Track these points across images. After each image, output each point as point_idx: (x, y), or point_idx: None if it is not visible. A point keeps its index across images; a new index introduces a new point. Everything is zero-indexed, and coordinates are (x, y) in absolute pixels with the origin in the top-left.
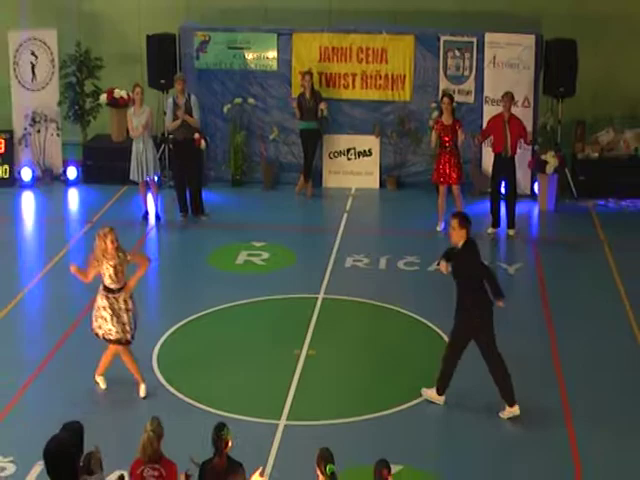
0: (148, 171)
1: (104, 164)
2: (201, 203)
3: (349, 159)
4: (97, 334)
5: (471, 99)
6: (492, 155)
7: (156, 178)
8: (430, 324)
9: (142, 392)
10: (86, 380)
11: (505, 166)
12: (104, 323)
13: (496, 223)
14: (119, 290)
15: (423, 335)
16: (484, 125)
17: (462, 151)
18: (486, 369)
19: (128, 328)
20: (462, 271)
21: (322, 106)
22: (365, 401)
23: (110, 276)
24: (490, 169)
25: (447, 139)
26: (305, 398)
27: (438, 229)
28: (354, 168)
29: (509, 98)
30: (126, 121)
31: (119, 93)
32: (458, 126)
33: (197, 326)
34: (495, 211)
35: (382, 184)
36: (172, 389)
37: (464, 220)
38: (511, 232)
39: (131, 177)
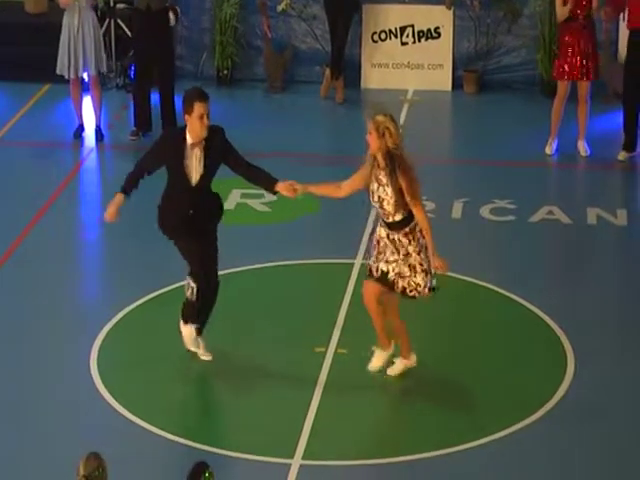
0: (86, 61)
1: (11, 50)
2: (173, 113)
3: (404, 44)
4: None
5: None
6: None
7: (97, 71)
8: (533, 308)
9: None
10: None
11: None
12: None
13: (631, 143)
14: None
15: (521, 325)
16: None
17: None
18: None
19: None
20: None
21: None
22: (421, 432)
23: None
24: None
25: (581, 7)
26: (331, 426)
27: (548, 152)
28: (412, 58)
29: None
30: None
31: None
32: None
33: (164, 306)
34: (630, 124)
35: (457, 84)
36: (122, 409)
37: None
38: (622, 155)
39: (59, 71)
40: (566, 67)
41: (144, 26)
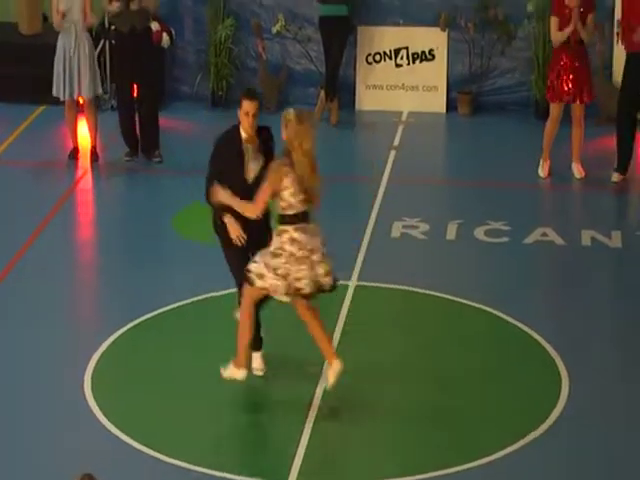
0: (81, 84)
1: (6, 71)
2: (155, 136)
3: (398, 66)
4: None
5: None
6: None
7: (92, 95)
8: (528, 330)
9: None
10: None
11: None
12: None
13: (623, 165)
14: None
15: (517, 349)
16: (618, 9)
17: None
18: None
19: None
20: None
21: None
22: (417, 454)
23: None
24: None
25: (574, 30)
26: (325, 447)
27: (541, 174)
28: (406, 80)
29: None
30: (44, 2)
31: None
32: (590, 8)
33: (158, 327)
34: (623, 146)
35: (451, 105)
36: (118, 432)
37: None
38: (616, 177)
39: (55, 93)
40: (560, 89)
41: (129, 48)
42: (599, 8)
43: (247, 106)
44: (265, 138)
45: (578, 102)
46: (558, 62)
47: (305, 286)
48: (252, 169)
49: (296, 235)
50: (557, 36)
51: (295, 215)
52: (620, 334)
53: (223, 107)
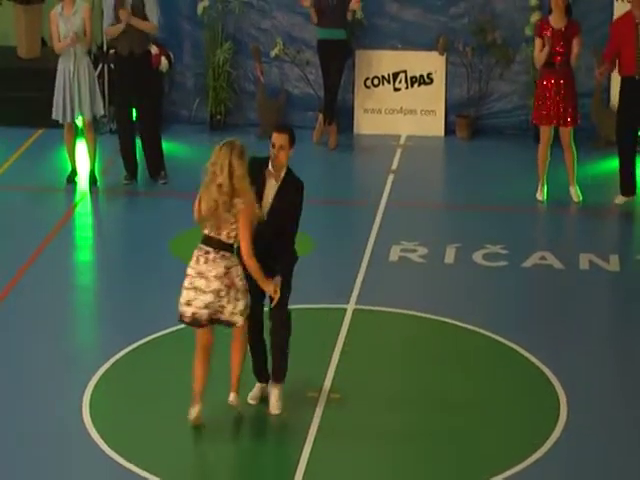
0: (81, 107)
1: (4, 95)
2: (159, 158)
3: (397, 89)
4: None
5: None
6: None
7: (92, 115)
8: (526, 354)
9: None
10: None
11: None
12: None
13: (629, 187)
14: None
15: (516, 373)
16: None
17: (577, 74)
18: None
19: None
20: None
21: (354, 6)
22: (414, 478)
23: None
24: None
25: (559, 52)
26: (325, 470)
27: (538, 197)
28: (405, 104)
29: None
30: (43, 26)
31: None
32: (575, 32)
33: (157, 351)
34: (626, 168)
35: (449, 129)
36: (116, 455)
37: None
38: (619, 199)
39: (54, 116)
40: (545, 112)
41: (128, 71)
42: (598, 33)
43: (274, 137)
44: (296, 188)
45: (564, 126)
46: (543, 85)
47: (183, 302)
48: (268, 203)
49: (196, 254)
50: (538, 56)
51: (205, 236)
52: (619, 358)
53: (221, 131)
